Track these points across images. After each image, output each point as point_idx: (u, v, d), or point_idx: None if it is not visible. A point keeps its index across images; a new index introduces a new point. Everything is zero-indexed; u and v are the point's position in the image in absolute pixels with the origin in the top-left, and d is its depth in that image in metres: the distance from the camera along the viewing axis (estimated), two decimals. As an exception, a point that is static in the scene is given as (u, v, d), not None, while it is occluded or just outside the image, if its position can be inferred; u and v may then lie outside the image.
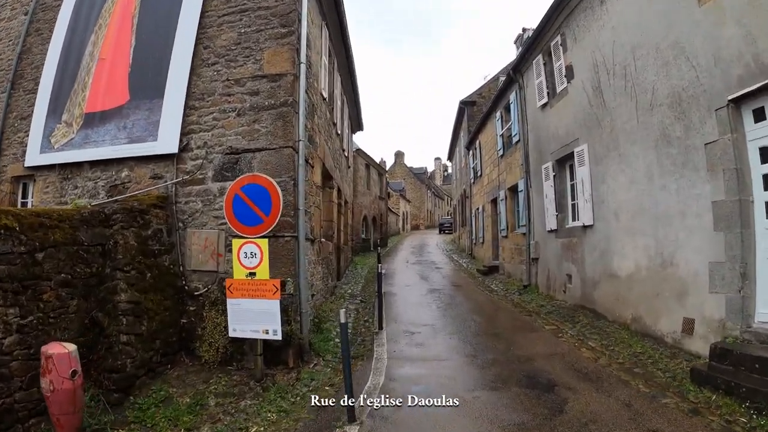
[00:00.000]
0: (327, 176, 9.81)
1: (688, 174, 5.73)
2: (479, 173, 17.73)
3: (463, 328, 7.75)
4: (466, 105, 21.42)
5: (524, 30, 16.97)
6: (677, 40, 5.98)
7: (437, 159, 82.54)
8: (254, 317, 5.27)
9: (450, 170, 34.82)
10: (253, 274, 5.27)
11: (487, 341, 6.95)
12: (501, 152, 14.17)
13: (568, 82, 9.41)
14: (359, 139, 24.08)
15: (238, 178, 5.45)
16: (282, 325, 5.35)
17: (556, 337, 7.24)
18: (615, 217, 7.74)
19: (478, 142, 17.93)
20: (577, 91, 9.04)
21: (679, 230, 5.97)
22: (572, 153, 9.21)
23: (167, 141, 6.71)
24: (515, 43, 23.32)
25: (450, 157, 33.25)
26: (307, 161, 6.99)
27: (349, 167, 15.29)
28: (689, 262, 5.71)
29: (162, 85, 6.89)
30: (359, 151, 22.87)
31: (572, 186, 9.75)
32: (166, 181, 6.65)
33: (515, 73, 12.41)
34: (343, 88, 12.74)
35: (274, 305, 5.21)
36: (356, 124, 17.09)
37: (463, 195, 23.57)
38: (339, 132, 11.37)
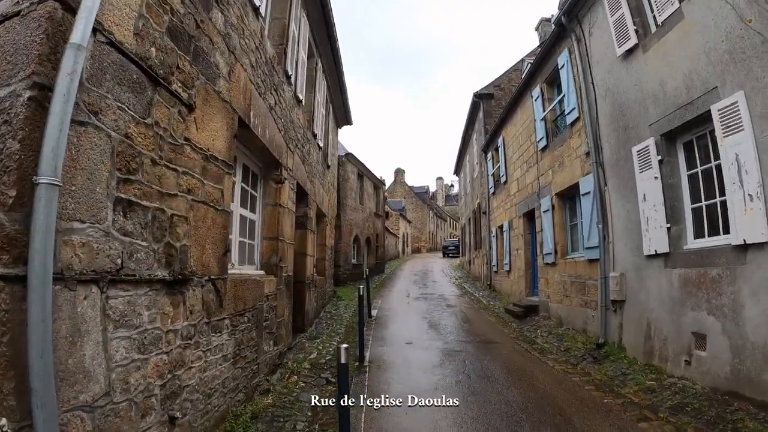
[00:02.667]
0: (268, 160, 5.57)
1: None
2: (503, 179, 13.48)
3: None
4: (481, 98, 17.35)
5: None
6: None
7: (439, 179, 78.92)
8: None
9: (456, 187, 30.67)
10: None
11: None
12: (543, 143, 9.95)
13: (681, 0, 5.50)
14: (350, 150, 19.91)
15: None
16: None
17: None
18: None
19: (500, 139, 13.75)
20: (705, 8, 5.08)
21: None
22: (706, 114, 5.17)
23: None
24: (537, 30, 19.76)
25: (457, 171, 29.11)
26: (150, 72, 2.73)
27: (328, 166, 11.05)
28: None
29: None
30: (350, 156, 18.67)
31: (696, 176, 5.63)
32: None
33: (569, 19, 8.30)
34: (315, 43, 8.62)
35: None
36: (342, 115, 12.93)
37: (476, 211, 19.29)
38: (300, 98, 7.16)
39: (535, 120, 10.56)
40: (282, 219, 5.88)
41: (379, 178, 23.80)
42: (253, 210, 5.50)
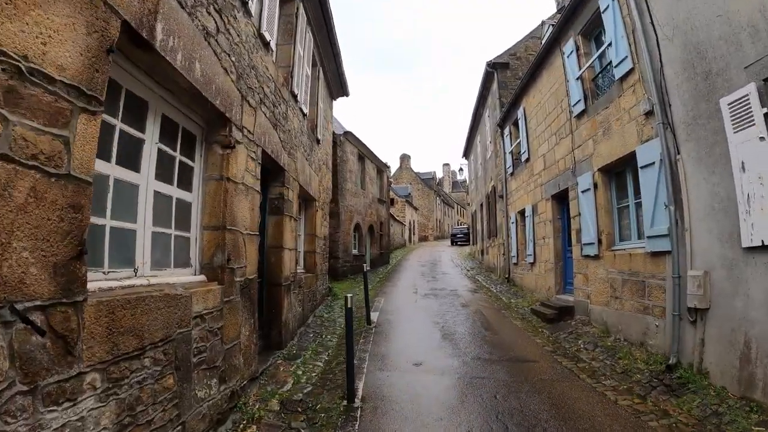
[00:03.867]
0: (209, 113, 3.79)
1: None
2: (524, 157, 11.61)
3: None
4: (495, 68, 15.40)
5: None
6: None
7: (446, 165, 76.87)
8: None
9: (465, 171, 28.81)
10: None
11: None
12: (580, 107, 8.08)
13: None
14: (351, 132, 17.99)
15: None
16: None
17: None
18: None
19: (521, 110, 11.86)
20: None
21: None
22: None
23: None
24: (556, -5, 17.80)
25: (466, 153, 27.20)
26: None
27: (318, 141, 9.23)
28: None
29: None
30: (349, 135, 16.81)
31: None
32: None
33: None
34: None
35: None
36: (336, 84, 11.08)
37: (490, 195, 17.43)
38: (268, 39, 5.34)
39: (567, 81, 8.68)
40: (233, 200, 4.11)
41: (382, 161, 21.91)
42: (186, 186, 3.74)
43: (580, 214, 8.12)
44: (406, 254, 28.52)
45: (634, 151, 6.30)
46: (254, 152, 4.69)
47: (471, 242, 26.40)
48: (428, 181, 57.06)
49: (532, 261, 10.98)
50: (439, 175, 71.93)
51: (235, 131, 4.17)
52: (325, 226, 10.21)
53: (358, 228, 17.80)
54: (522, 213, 12.15)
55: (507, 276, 13.49)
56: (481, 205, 20.51)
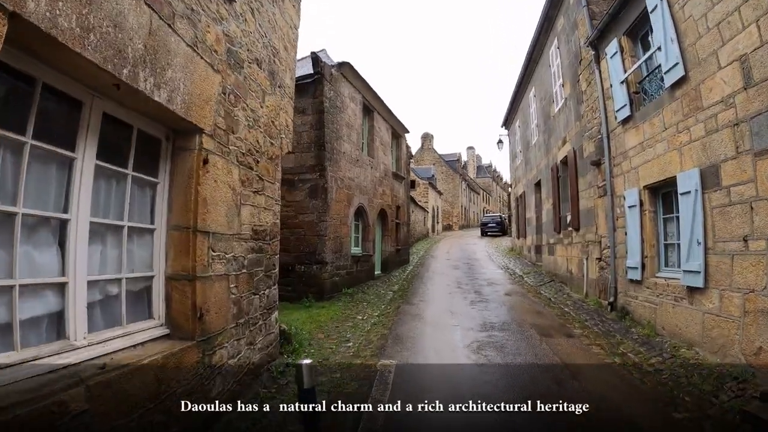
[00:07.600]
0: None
1: None
2: (673, 77, 5.88)
3: None
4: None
5: None
6: None
7: (470, 148, 70.83)
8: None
9: (504, 144, 23.01)
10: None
11: None
12: None
13: None
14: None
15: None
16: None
17: None
18: None
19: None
20: None
21: None
22: None
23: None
24: None
25: (508, 121, 21.43)
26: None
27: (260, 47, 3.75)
28: None
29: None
30: (346, 69, 11.19)
31: None
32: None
33: None
34: None
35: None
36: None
37: (561, 166, 11.73)
38: None
39: None
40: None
41: (401, 122, 16.18)
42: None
43: None
44: (430, 248, 23.02)
45: None
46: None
47: (517, 234, 20.66)
48: (453, 164, 51.14)
49: (701, 284, 5.34)
50: (464, 158, 65.91)
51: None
52: (268, 208, 4.80)
53: (361, 213, 12.28)
54: (655, 189, 6.53)
55: (612, 300, 7.85)
56: (538, 183, 14.78)
